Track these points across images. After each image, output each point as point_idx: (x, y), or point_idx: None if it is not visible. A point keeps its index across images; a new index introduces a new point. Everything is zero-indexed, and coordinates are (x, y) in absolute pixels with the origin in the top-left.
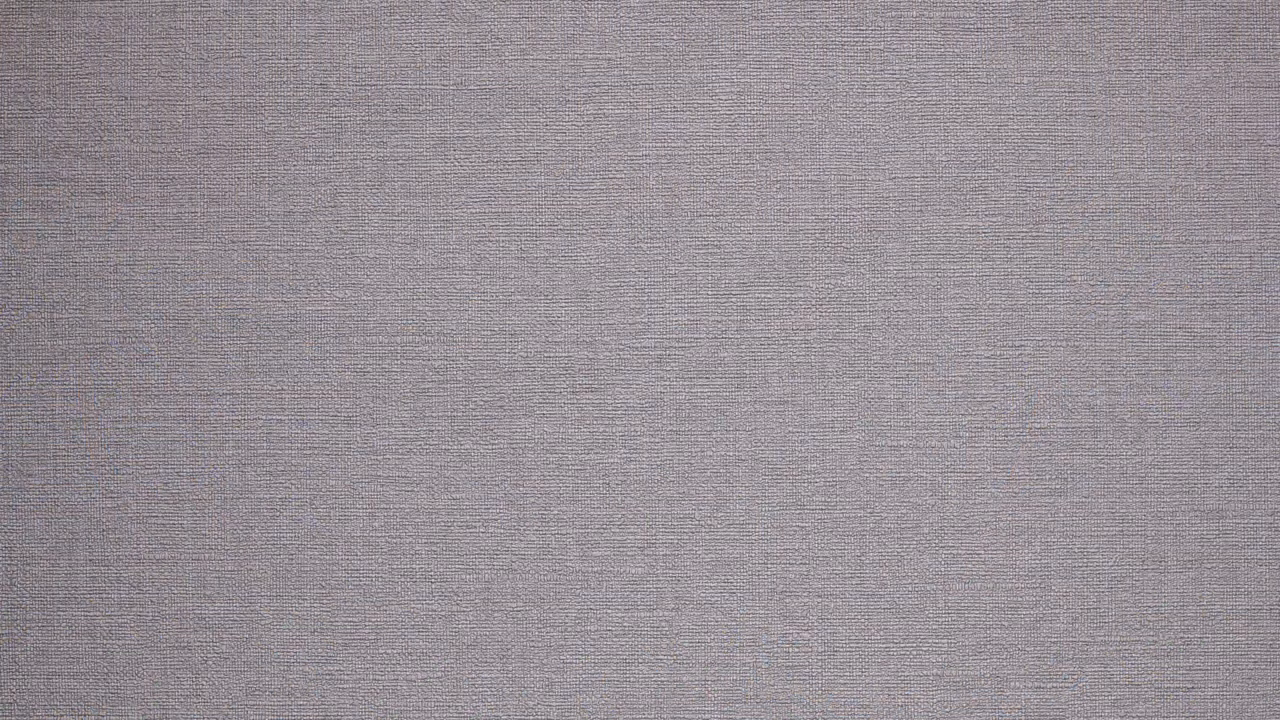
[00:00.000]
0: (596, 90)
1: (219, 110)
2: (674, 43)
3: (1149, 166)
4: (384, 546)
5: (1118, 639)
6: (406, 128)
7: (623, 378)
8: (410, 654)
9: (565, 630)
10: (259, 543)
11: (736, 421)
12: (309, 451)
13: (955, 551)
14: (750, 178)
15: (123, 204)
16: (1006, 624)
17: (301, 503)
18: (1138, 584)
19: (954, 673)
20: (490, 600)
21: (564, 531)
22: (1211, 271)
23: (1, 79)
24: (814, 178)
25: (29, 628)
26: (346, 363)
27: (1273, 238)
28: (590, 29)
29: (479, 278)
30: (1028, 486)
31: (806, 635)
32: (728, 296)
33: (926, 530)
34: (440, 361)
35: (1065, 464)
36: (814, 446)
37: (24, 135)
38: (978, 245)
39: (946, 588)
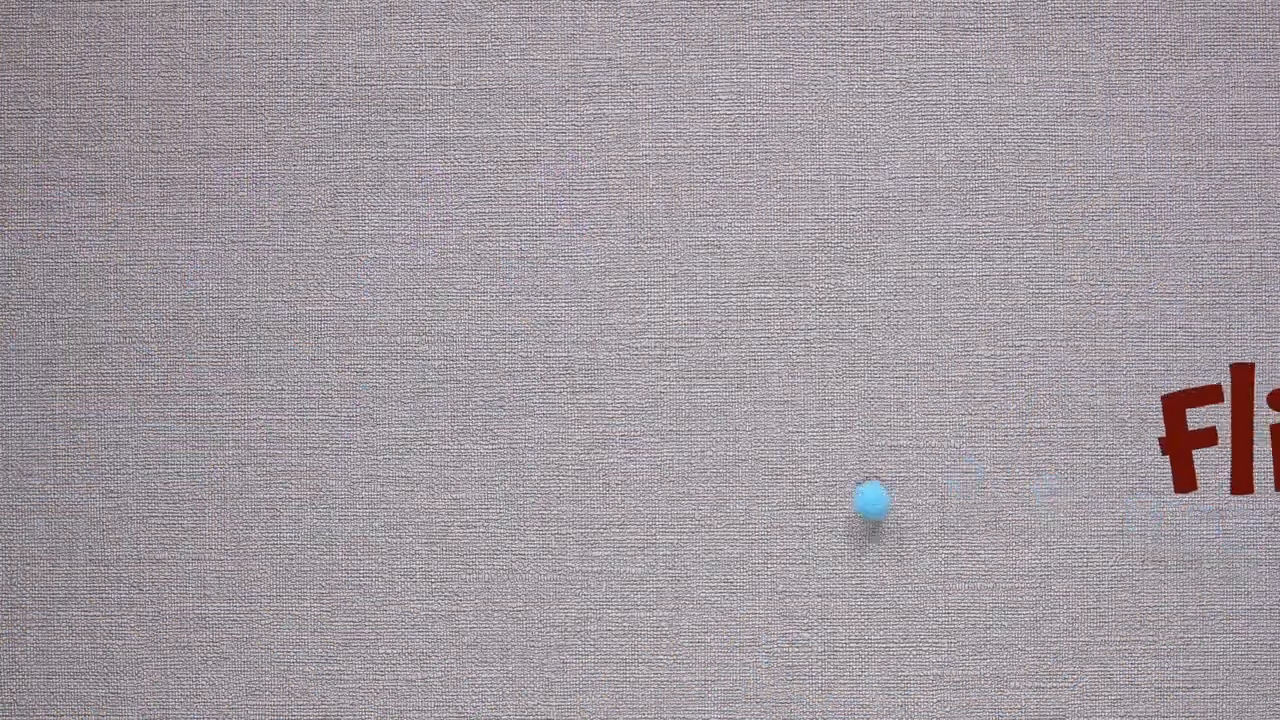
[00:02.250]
0: (596, 90)
1: (219, 110)
2: (674, 43)
3: (1149, 166)
4: (384, 546)
5: (1118, 639)
6: (406, 128)
7: (623, 378)
8: (410, 654)
9: (565, 630)
10: (259, 543)
11: (736, 421)
12: (309, 451)
13: (955, 551)
14: (750, 178)
15: (123, 204)
16: (1006, 624)
17: (301, 503)
18: (1138, 584)
19: (954, 673)
20: (490, 600)
21: (564, 531)
22: (1211, 271)
23: (1, 79)
24: (814, 178)
25: (29, 628)
26: (346, 363)
27: (1273, 238)
28: (590, 29)
29: (479, 278)
30: (1028, 486)
31: (806, 635)
32: (728, 296)
33: (926, 530)
34: (440, 361)
35: (1065, 464)
36: (814, 446)
37: (24, 135)
38: (978, 245)
39: (946, 588)
